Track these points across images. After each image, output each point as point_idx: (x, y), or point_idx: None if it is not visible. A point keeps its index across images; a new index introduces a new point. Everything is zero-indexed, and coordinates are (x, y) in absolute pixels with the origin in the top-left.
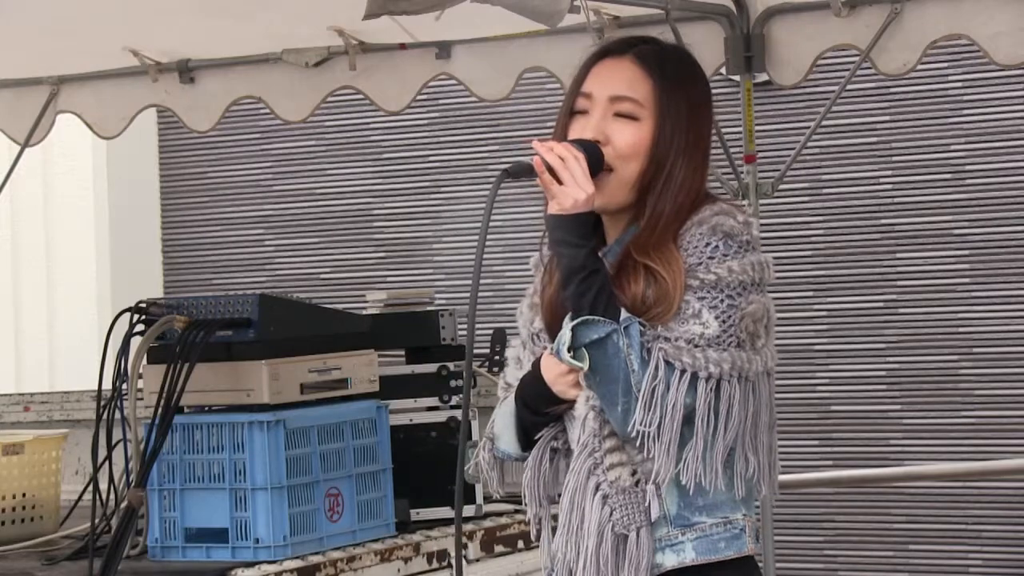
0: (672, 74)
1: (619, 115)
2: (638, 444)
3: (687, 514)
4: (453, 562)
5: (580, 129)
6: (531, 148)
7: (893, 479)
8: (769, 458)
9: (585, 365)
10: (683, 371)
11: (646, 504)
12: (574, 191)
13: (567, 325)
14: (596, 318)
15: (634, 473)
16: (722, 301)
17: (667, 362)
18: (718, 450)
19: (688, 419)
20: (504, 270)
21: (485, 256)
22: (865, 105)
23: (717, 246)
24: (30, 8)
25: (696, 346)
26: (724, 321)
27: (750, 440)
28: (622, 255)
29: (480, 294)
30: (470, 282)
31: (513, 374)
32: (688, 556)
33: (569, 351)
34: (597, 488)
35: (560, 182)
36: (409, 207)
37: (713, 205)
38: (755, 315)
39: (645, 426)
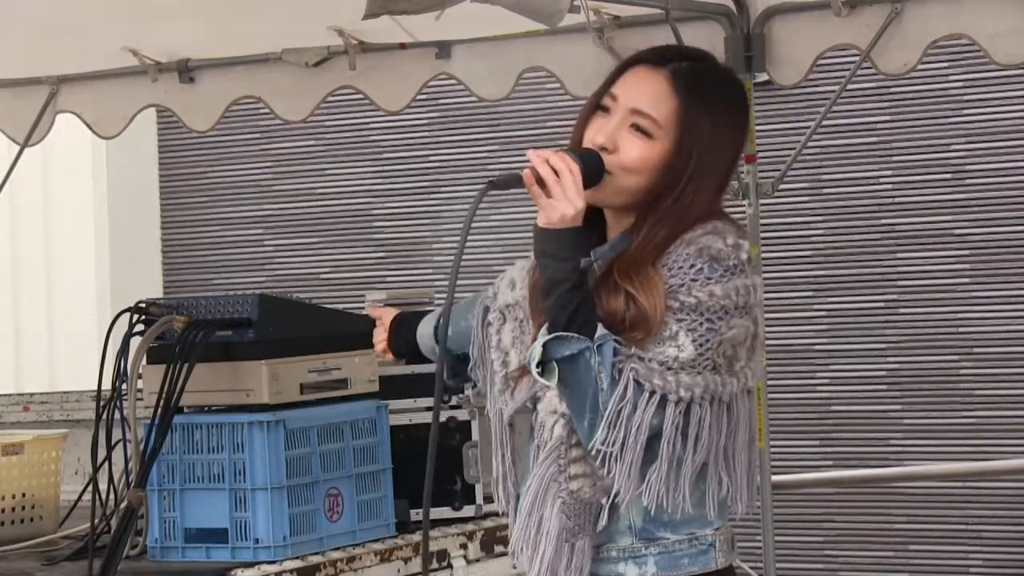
0: (702, 96)
1: (635, 127)
2: (598, 462)
3: (651, 528)
4: (454, 562)
5: (598, 128)
6: (535, 147)
7: (893, 479)
8: (747, 475)
9: (552, 383)
10: (652, 392)
11: (597, 516)
12: (562, 205)
13: (540, 339)
14: (570, 335)
15: (594, 485)
16: (701, 324)
17: (637, 382)
18: (686, 472)
19: (655, 440)
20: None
21: (483, 256)
22: (865, 105)
23: (701, 268)
24: (30, 8)
25: (669, 368)
26: (701, 345)
27: (723, 461)
28: (607, 268)
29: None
30: (470, 282)
31: (504, 292)
32: (649, 570)
33: (538, 367)
34: (557, 495)
35: (549, 195)
36: (409, 207)
37: (706, 224)
38: (735, 340)
39: (607, 446)
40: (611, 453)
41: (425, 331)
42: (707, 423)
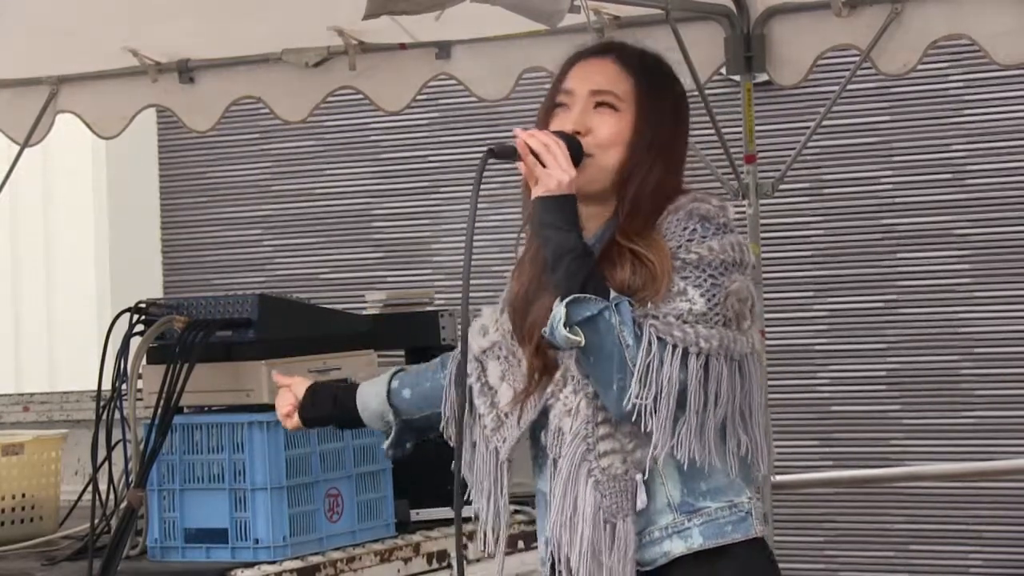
0: (652, 76)
1: (600, 105)
2: (634, 419)
3: (691, 500)
4: (454, 562)
5: (561, 122)
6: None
7: (894, 479)
8: (766, 438)
9: (582, 340)
10: (675, 346)
11: (634, 493)
12: (558, 173)
13: (559, 303)
14: (587, 296)
15: (624, 460)
16: (706, 280)
17: (659, 338)
18: (709, 427)
19: (680, 396)
20: (501, 270)
21: (480, 256)
22: (865, 105)
23: (695, 228)
24: (30, 8)
25: (685, 322)
26: (710, 299)
27: (740, 419)
28: (606, 245)
29: (475, 294)
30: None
31: (477, 340)
32: (696, 541)
33: (565, 327)
34: (589, 474)
35: (544, 165)
36: (409, 207)
37: (687, 194)
38: (739, 294)
39: (642, 400)
40: (646, 407)
41: (370, 394)
42: (724, 377)
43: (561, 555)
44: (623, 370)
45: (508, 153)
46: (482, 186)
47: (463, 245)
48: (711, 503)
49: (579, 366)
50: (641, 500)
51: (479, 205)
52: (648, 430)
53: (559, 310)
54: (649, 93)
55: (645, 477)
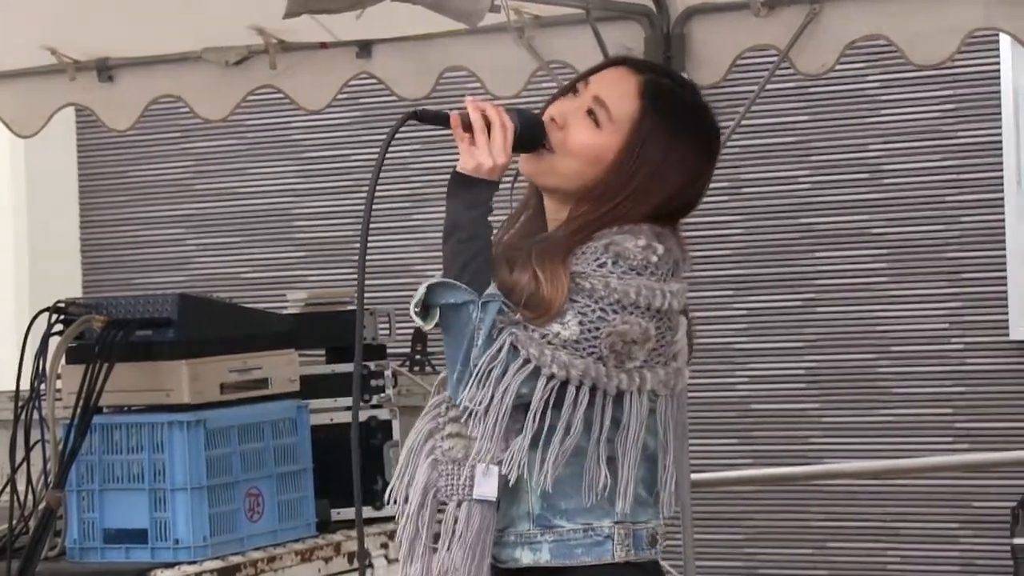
0: (668, 115)
1: (589, 114)
2: (463, 419)
3: (548, 515)
4: (375, 562)
5: (558, 105)
6: (457, 146)
7: (812, 477)
8: (636, 475)
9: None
10: (527, 360)
11: (471, 481)
12: (482, 156)
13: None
14: (458, 284)
15: (467, 447)
16: (593, 311)
17: (513, 347)
18: (552, 451)
19: (517, 411)
20: (425, 270)
21: (408, 256)
22: (784, 105)
23: (604, 262)
24: None
25: (549, 343)
26: (588, 330)
27: (603, 452)
28: (528, 239)
29: (400, 294)
30: (391, 281)
31: None
32: (543, 557)
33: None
34: (430, 452)
35: (473, 143)
36: (330, 206)
37: (624, 225)
38: (626, 336)
39: (473, 404)
40: (475, 412)
41: None
42: (583, 407)
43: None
44: (466, 363)
45: (436, 119)
46: (408, 184)
47: (385, 245)
48: (566, 523)
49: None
50: (481, 491)
51: (403, 206)
52: (473, 435)
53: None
54: (652, 124)
55: (486, 470)
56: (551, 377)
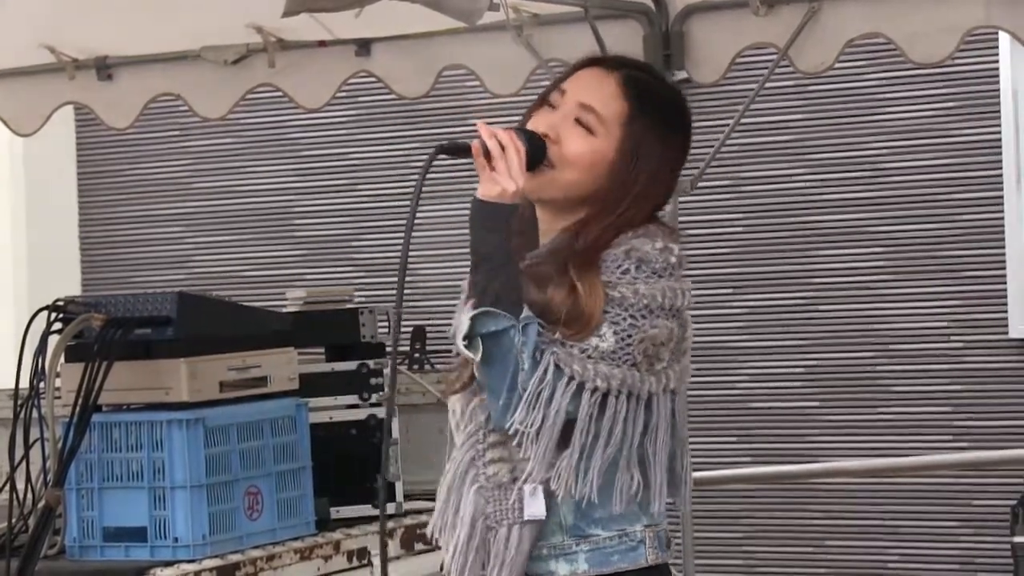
0: (653, 112)
1: (579, 122)
2: (515, 443)
3: (582, 525)
4: (374, 560)
5: (539, 119)
6: (464, 134)
7: (811, 475)
8: (666, 475)
9: (478, 356)
10: (571, 378)
11: (520, 503)
12: (504, 181)
13: (466, 313)
14: (496, 311)
15: (513, 470)
16: (624, 319)
17: (557, 366)
18: (595, 462)
19: (569, 427)
20: (426, 267)
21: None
22: (783, 103)
23: (628, 269)
24: None
25: (589, 357)
26: (622, 339)
27: (636, 457)
28: (550, 257)
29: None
30: (390, 279)
31: None
32: (580, 567)
33: (464, 339)
34: (475, 479)
35: (493, 169)
36: (328, 205)
37: (638, 228)
38: (656, 339)
39: (525, 426)
40: (528, 434)
41: None
42: (622, 416)
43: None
44: (512, 390)
45: (459, 150)
46: (407, 182)
47: (383, 244)
48: (601, 531)
49: (478, 373)
50: (532, 512)
51: (402, 204)
52: (526, 456)
53: (464, 321)
54: (642, 129)
55: (533, 490)
56: (594, 391)
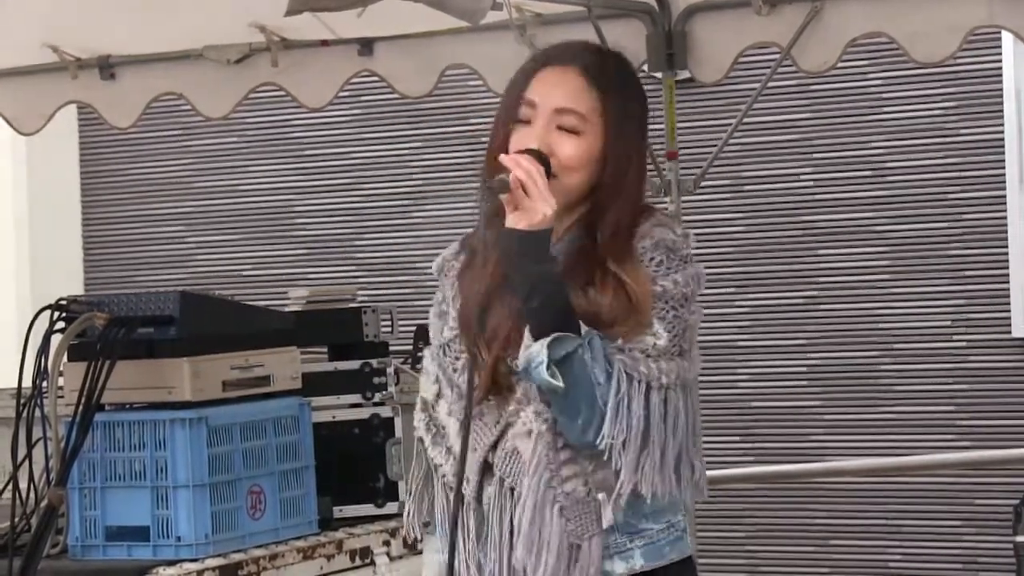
0: (617, 85)
1: (561, 128)
2: (605, 456)
3: (634, 521)
4: (377, 559)
5: (523, 139)
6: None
7: (814, 475)
8: (702, 460)
9: (561, 383)
10: (640, 382)
11: (598, 513)
12: (543, 206)
13: (542, 344)
14: (565, 335)
15: (586, 483)
16: (669, 312)
17: (627, 374)
18: (669, 459)
19: (645, 432)
20: (426, 267)
21: (410, 253)
22: (786, 103)
23: (661, 260)
24: None
25: (649, 356)
26: (672, 332)
27: (692, 444)
28: (579, 260)
29: (404, 291)
30: (392, 279)
31: (425, 386)
32: (637, 563)
33: (548, 370)
34: (554, 501)
35: (528, 195)
36: (331, 204)
37: (651, 217)
38: (695, 327)
39: (611, 438)
40: (614, 446)
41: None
42: (681, 407)
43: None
44: (592, 406)
45: (504, 188)
46: (409, 181)
47: (386, 243)
48: (652, 524)
49: (540, 392)
50: (607, 519)
51: (405, 203)
52: (618, 468)
53: (540, 353)
54: (617, 109)
55: (609, 499)
56: (660, 388)
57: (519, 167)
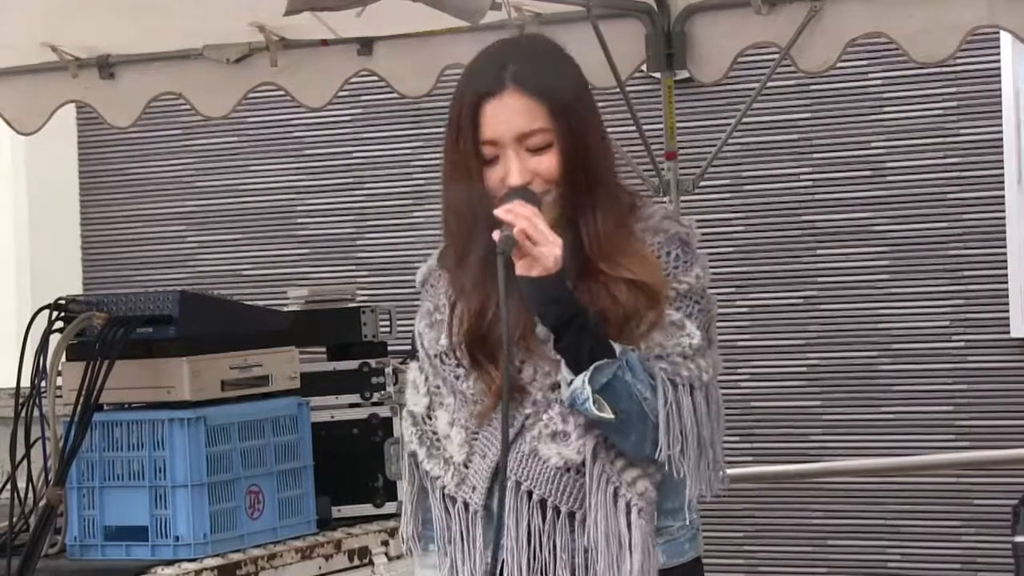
0: (551, 80)
1: (531, 150)
2: (666, 468)
3: (658, 518)
4: (375, 559)
5: (500, 175)
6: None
7: (812, 474)
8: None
9: (609, 413)
10: (684, 386)
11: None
12: (552, 249)
13: (583, 379)
14: (602, 362)
15: (650, 480)
16: (695, 306)
17: (671, 381)
18: (719, 455)
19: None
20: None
21: (410, 253)
22: (785, 102)
23: (678, 255)
24: None
25: (686, 357)
26: (701, 327)
27: (719, 439)
28: (590, 273)
29: (404, 291)
30: (391, 279)
31: (414, 400)
32: (660, 560)
33: (595, 403)
34: (629, 507)
35: (535, 243)
36: (331, 204)
37: (651, 207)
38: (716, 316)
39: (669, 449)
40: (673, 456)
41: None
42: (717, 399)
43: None
44: (644, 421)
45: (511, 245)
46: (409, 181)
47: (385, 243)
48: (673, 522)
49: (603, 425)
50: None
51: (404, 203)
52: (681, 476)
53: (584, 389)
54: (563, 106)
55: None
56: (702, 386)
57: (518, 218)
